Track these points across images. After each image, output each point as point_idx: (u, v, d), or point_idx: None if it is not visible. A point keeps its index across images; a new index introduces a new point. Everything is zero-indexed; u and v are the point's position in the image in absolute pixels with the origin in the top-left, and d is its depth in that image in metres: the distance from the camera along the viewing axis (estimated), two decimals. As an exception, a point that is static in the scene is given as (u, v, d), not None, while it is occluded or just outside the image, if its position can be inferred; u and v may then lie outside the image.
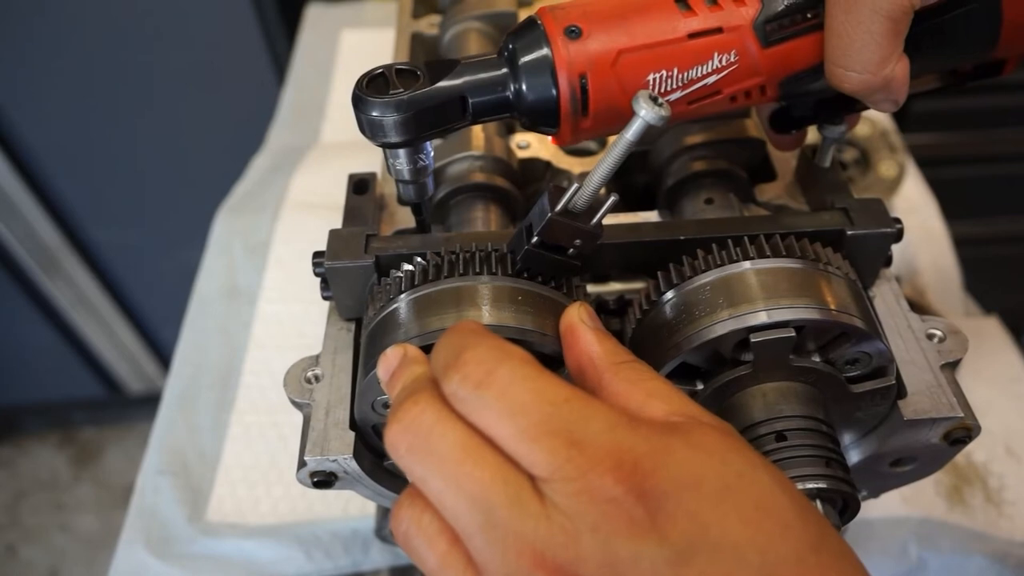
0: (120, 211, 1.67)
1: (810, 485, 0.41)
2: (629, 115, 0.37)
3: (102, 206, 1.65)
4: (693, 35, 0.40)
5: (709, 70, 0.41)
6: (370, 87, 0.41)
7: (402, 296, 0.43)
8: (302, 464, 0.44)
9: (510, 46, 0.41)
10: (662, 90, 0.41)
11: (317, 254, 0.48)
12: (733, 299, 0.42)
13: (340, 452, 0.44)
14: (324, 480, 0.45)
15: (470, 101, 0.41)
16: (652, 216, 0.54)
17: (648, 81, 0.40)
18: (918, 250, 0.96)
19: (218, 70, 1.50)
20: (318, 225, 0.50)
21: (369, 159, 0.58)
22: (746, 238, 0.45)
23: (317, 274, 0.48)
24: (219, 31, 1.44)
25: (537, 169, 0.59)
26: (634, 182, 0.62)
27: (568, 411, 0.31)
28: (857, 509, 0.43)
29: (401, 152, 0.43)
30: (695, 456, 0.31)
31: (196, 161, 1.60)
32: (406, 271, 0.44)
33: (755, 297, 0.42)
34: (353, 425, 0.45)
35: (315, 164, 1.05)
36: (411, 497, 0.33)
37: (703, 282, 0.44)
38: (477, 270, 0.43)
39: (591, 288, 0.49)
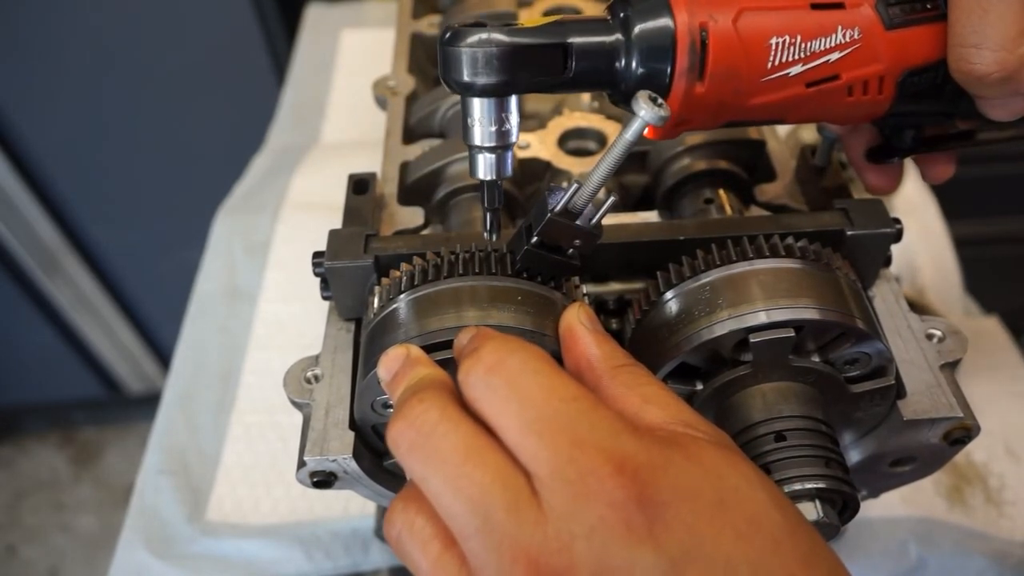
0: (120, 211, 1.67)
1: (809, 485, 0.41)
2: (749, 89, 0.36)
3: (102, 206, 1.65)
4: (815, 6, 0.39)
5: (832, 44, 0.39)
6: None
7: (402, 296, 0.43)
8: (302, 464, 0.44)
9: None
10: (783, 59, 0.39)
11: (317, 254, 0.48)
12: (732, 299, 0.42)
13: (340, 452, 0.44)
14: (324, 480, 0.45)
15: (573, 49, 0.38)
16: (652, 216, 0.54)
17: (770, 45, 0.38)
18: (918, 250, 0.96)
19: (218, 70, 1.50)
20: (318, 225, 0.50)
21: (369, 159, 0.58)
22: (746, 238, 0.45)
23: (317, 274, 0.48)
24: (219, 31, 1.44)
25: (537, 169, 0.59)
26: (634, 182, 0.62)
27: (575, 410, 0.31)
28: (856, 509, 0.43)
29: (486, 105, 0.39)
30: (693, 469, 0.31)
31: (196, 161, 1.60)
32: (406, 271, 0.44)
33: (754, 297, 0.42)
34: (353, 425, 0.45)
35: (315, 164, 1.05)
36: (404, 501, 0.33)
37: (703, 282, 0.44)
38: (477, 270, 0.43)
39: (591, 288, 0.49)
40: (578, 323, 0.39)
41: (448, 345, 0.40)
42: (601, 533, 0.29)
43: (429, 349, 0.41)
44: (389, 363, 0.38)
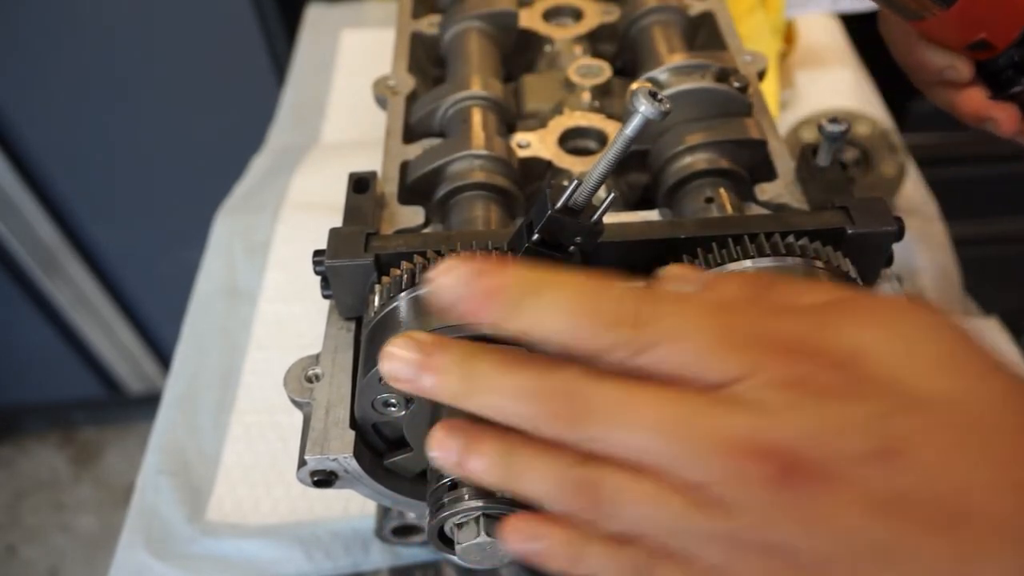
0: (120, 211, 1.67)
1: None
2: None
3: (102, 206, 1.65)
4: None
5: None
6: None
7: (402, 294, 0.43)
8: (302, 463, 0.44)
9: None
10: None
11: (317, 252, 0.48)
12: (733, 298, 0.42)
13: (340, 451, 0.43)
14: (324, 479, 0.45)
15: None
16: (653, 215, 0.54)
17: None
18: (918, 250, 0.96)
19: (218, 70, 1.50)
20: (318, 225, 0.50)
21: (369, 159, 0.58)
22: (746, 237, 0.45)
23: (317, 273, 0.48)
24: (219, 31, 1.44)
25: (537, 168, 0.59)
26: (635, 182, 0.62)
27: (730, 316, 0.30)
28: None
29: None
30: (869, 328, 0.30)
31: (196, 161, 1.60)
32: (406, 269, 0.44)
33: (756, 296, 0.42)
34: (354, 424, 0.45)
35: (315, 164, 1.05)
36: (590, 464, 0.30)
37: (703, 281, 0.44)
38: (477, 269, 0.42)
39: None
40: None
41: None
42: (804, 402, 0.28)
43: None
44: (405, 357, 0.33)
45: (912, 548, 0.27)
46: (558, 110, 0.63)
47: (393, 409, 0.44)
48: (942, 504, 0.27)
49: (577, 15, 0.72)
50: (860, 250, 0.48)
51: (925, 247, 0.96)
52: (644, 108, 0.35)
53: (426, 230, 0.53)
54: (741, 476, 0.27)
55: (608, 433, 0.29)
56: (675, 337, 0.30)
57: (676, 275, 0.37)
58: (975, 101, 0.56)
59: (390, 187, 0.56)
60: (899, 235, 0.48)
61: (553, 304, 0.30)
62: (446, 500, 0.40)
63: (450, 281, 0.31)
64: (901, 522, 0.27)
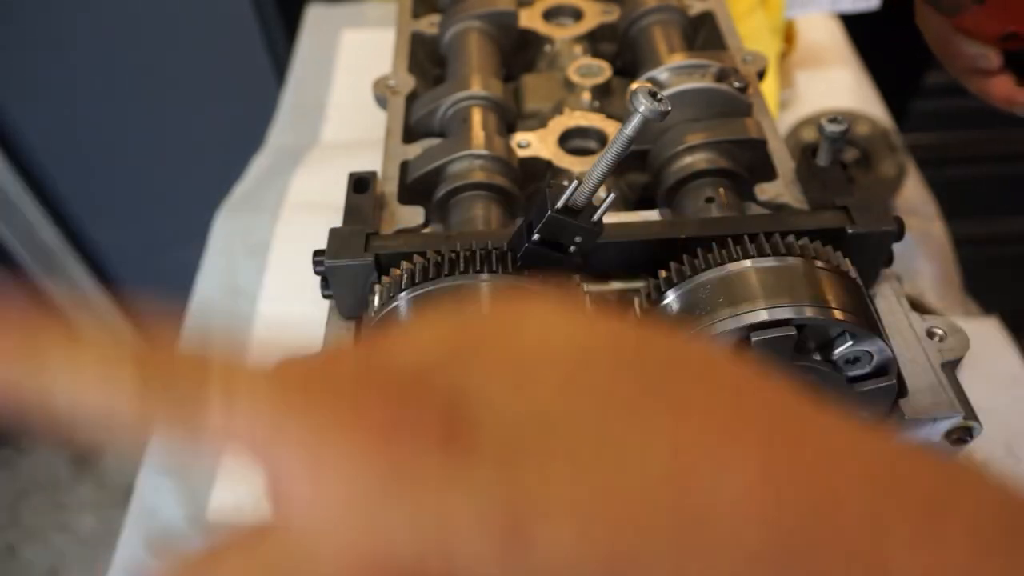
0: (120, 211, 1.67)
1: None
2: None
3: (102, 206, 1.65)
4: None
5: None
6: None
7: (402, 294, 0.43)
8: (302, 463, 0.44)
9: None
10: None
11: (317, 252, 0.48)
12: (733, 298, 0.42)
13: (340, 451, 0.43)
14: (324, 479, 0.45)
15: None
16: (653, 215, 0.54)
17: None
18: (918, 250, 0.96)
19: (218, 70, 1.50)
20: (318, 225, 0.50)
21: (369, 159, 0.58)
22: (746, 237, 0.45)
23: (317, 273, 0.48)
24: (219, 31, 1.44)
25: (537, 168, 0.59)
26: (635, 182, 0.62)
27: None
28: None
29: None
30: (475, 364, 0.23)
31: (196, 161, 1.60)
32: (406, 269, 0.44)
33: (755, 296, 0.42)
34: (353, 424, 0.45)
35: (315, 164, 1.05)
36: None
37: (703, 281, 0.44)
38: (477, 268, 0.43)
39: (592, 286, 0.49)
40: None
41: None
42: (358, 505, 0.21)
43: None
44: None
45: None
46: (558, 110, 0.63)
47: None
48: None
49: (577, 15, 0.72)
50: (860, 250, 0.48)
51: (925, 247, 0.96)
52: (644, 108, 0.35)
53: (426, 230, 0.53)
54: None
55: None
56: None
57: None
58: (1005, 87, 0.62)
59: (390, 187, 0.56)
60: (899, 235, 0.48)
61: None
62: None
63: None
64: None
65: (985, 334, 0.88)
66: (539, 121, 0.63)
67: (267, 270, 0.93)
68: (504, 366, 0.23)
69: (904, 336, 0.48)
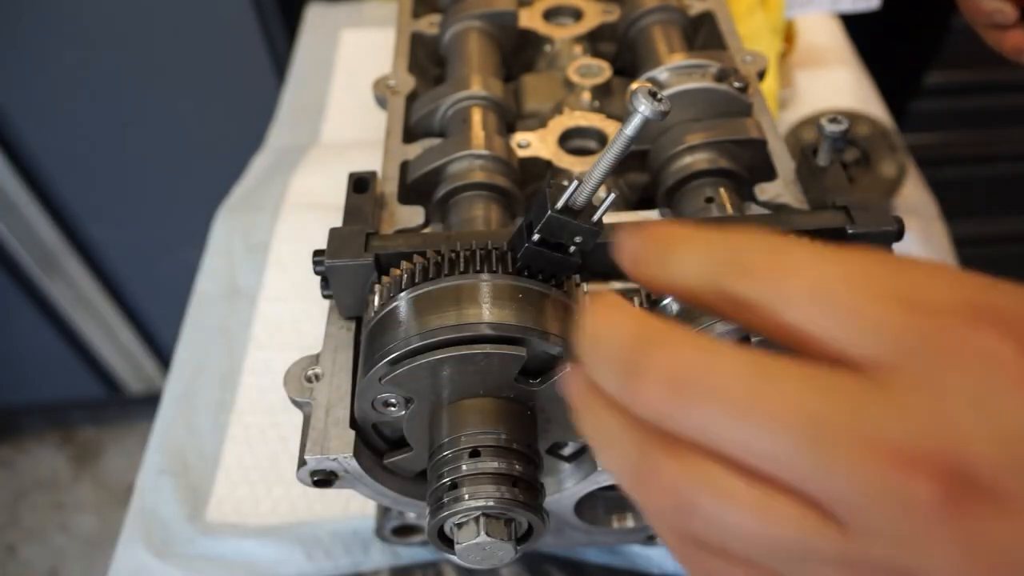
0: (120, 211, 1.67)
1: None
2: None
3: (102, 206, 1.65)
4: None
5: None
6: None
7: (402, 294, 0.43)
8: (302, 463, 0.44)
9: None
10: None
11: (317, 252, 0.48)
12: (733, 298, 0.42)
13: (340, 451, 0.43)
14: (324, 479, 0.45)
15: None
16: (653, 215, 0.54)
17: None
18: (918, 250, 0.96)
19: (218, 70, 1.50)
20: (318, 225, 0.50)
21: (369, 158, 0.58)
22: None
23: (317, 272, 0.48)
24: (219, 31, 1.44)
25: (537, 168, 0.59)
26: (635, 182, 0.62)
27: (883, 272, 0.24)
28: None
29: None
30: None
31: (196, 161, 1.60)
32: (406, 269, 0.44)
33: (755, 296, 0.42)
34: (353, 424, 0.45)
35: (315, 164, 1.05)
36: (673, 453, 0.24)
37: (703, 281, 0.44)
38: (477, 268, 0.43)
39: (592, 286, 0.49)
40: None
41: (449, 344, 0.40)
42: (989, 393, 0.21)
43: (429, 348, 0.41)
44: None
45: None
46: (558, 110, 0.63)
47: (393, 409, 0.44)
48: None
49: (577, 15, 0.72)
50: (860, 250, 0.48)
51: (925, 247, 0.96)
52: (644, 108, 0.35)
53: (426, 230, 0.53)
54: (890, 497, 0.21)
55: (713, 426, 0.23)
56: (816, 293, 0.24)
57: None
58: (1015, 39, 0.65)
59: (390, 187, 0.56)
60: (899, 235, 0.48)
61: (686, 257, 0.27)
62: (446, 500, 0.40)
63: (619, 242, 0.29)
64: None
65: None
66: (539, 121, 0.63)
67: (267, 270, 0.93)
68: None
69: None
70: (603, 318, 0.27)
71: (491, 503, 0.39)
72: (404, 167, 0.58)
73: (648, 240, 0.28)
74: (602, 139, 0.60)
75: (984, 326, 0.22)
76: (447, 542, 0.42)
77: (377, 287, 0.46)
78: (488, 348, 0.40)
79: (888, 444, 0.21)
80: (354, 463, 0.44)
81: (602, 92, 0.64)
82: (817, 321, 0.23)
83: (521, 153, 0.58)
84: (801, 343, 0.24)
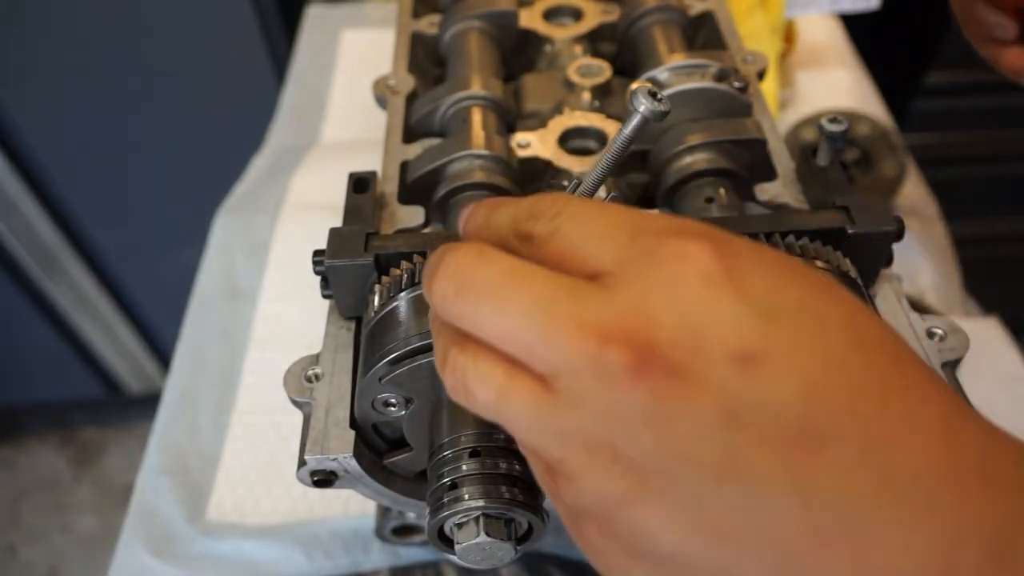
0: (120, 211, 1.67)
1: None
2: None
3: (102, 206, 1.65)
4: None
5: None
6: None
7: (402, 294, 0.43)
8: (302, 463, 0.44)
9: None
10: None
11: (317, 252, 0.48)
12: (733, 298, 0.42)
13: (340, 451, 0.43)
14: (324, 479, 0.45)
15: None
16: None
17: None
18: (918, 250, 0.96)
19: (218, 70, 1.50)
20: (318, 225, 0.50)
21: (369, 159, 0.58)
22: (746, 237, 0.45)
23: (317, 272, 0.48)
24: (219, 31, 1.44)
25: (537, 168, 0.59)
26: (636, 182, 0.62)
27: (631, 213, 0.30)
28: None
29: None
30: (759, 246, 0.29)
31: (196, 161, 1.60)
32: (406, 269, 0.44)
33: (755, 296, 0.42)
34: (353, 424, 0.45)
35: (315, 164, 1.05)
36: (459, 344, 0.30)
37: (703, 281, 0.44)
38: (477, 268, 0.43)
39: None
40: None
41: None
42: (679, 285, 0.26)
43: (429, 348, 0.41)
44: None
45: (751, 467, 0.25)
46: (558, 110, 0.63)
47: (393, 409, 0.44)
48: (795, 425, 0.25)
49: (577, 15, 0.72)
50: (860, 250, 0.48)
51: (925, 247, 0.97)
52: (643, 108, 0.35)
53: (426, 230, 0.53)
54: (590, 364, 0.26)
55: (475, 313, 0.29)
56: (568, 226, 0.30)
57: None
58: (1015, 58, 0.64)
59: (390, 187, 0.56)
60: (899, 235, 0.48)
61: (497, 214, 0.33)
62: (446, 500, 0.40)
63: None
64: (747, 436, 0.25)
65: (985, 334, 0.88)
66: (539, 121, 0.63)
67: (267, 270, 0.93)
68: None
69: (904, 336, 0.47)
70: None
71: (491, 503, 0.39)
72: (404, 167, 0.58)
73: (479, 206, 0.35)
74: (602, 139, 0.60)
75: (686, 236, 0.28)
76: (447, 542, 0.42)
77: (377, 287, 0.46)
78: (488, 348, 0.40)
79: (594, 323, 0.26)
80: (354, 463, 0.44)
81: (602, 92, 0.64)
82: (575, 242, 0.29)
83: (521, 153, 0.58)
84: (569, 263, 0.29)
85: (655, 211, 0.32)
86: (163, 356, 1.97)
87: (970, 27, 0.67)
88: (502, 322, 0.28)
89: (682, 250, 0.27)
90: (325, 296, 0.50)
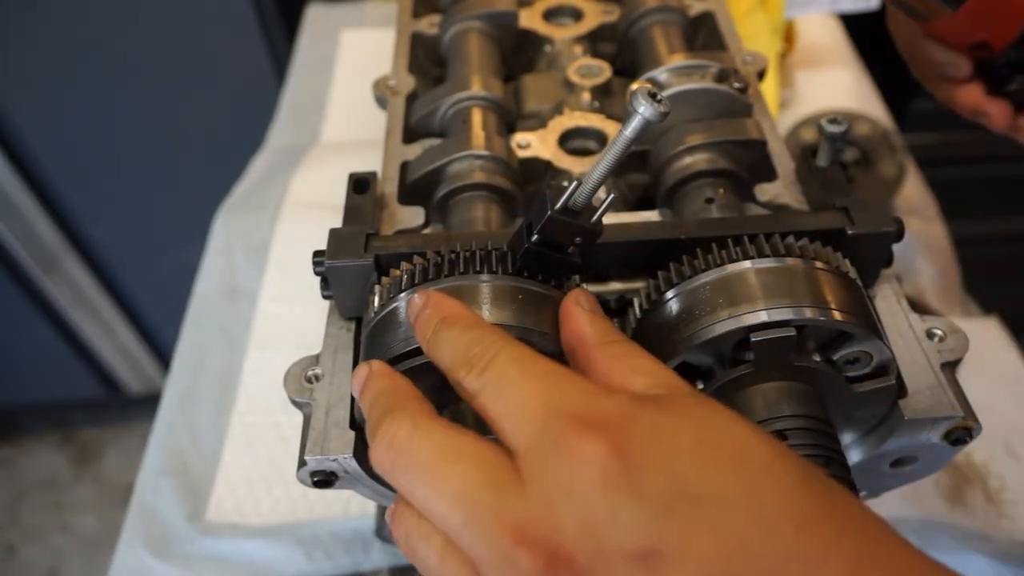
0: (120, 211, 1.67)
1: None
2: None
3: (102, 206, 1.65)
4: None
5: None
6: None
7: (402, 295, 0.43)
8: (302, 463, 0.44)
9: None
10: None
11: (317, 253, 0.47)
12: (733, 299, 0.42)
13: (340, 451, 0.43)
14: (324, 479, 0.45)
15: None
16: (653, 216, 0.54)
17: None
18: (918, 250, 0.96)
19: (218, 70, 1.50)
20: (318, 225, 0.50)
21: (369, 159, 0.58)
22: (746, 237, 0.45)
23: (317, 273, 0.48)
24: (219, 31, 1.44)
25: (537, 169, 0.59)
26: (635, 182, 0.62)
27: (547, 384, 0.32)
28: None
29: None
30: (669, 417, 0.31)
31: (196, 161, 1.60)
32: (406, 270, 0.44)
33: (755, 296, 0.42)
34: (353, 424, 0.45)
35: (315, 164, 1.05)
36: (406, 502, 0.34)
37: (703, 281, 0.44)
38: (477, 269, 0.43)
39: (592, 287, 0.49)
40: (574, 303, 0.40)
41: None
42: (580, 489, 0.29)
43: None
44: (357, 379, 0.39)
45: None
46: (558, 110, 0.63)
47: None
48: None
49: (577, 15, 0.72)
50: (860, 250, 0.48)
51: (925, 247, 0.97)
52: (643, 109, 0.35)
53: (426, 230, 0.53)
54: (510, 563, 0.29)
55: (411, 491, 0.32)
56: (491, 389, 0.33)
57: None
58: (972, 96, 0.61)
59: (390, 187, 0.56)
60: (899, 235, 0.48)
61: (442, 347, 0.37)
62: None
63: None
64: None
65: (985, 334, 0.88)
66: (539, 121, 0.63)
67: (267, 270, 0.93)
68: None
69: (904, 336, 0.48)
70: (362, 380, 0.39)
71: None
72: (404, 167, 0.58)
73: (427, 307, 0.39)
74: (602, 139, 0.60)
75: (590, 430, 0.30)
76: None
77: (377, 288, 0.46)
78: (488, 349, 0.40)
79: (510, 521, 0.29)
80: (354, 463, 0.44)
81: (602, 92, 0.64)
82: (497, 410, 0.32)
83: (521, 153, 0.58)
84: (491, 426, 0.33)
85: (574, 374, 0.34)
86: (163, 356, 1.97)
87: (919, 66, 0.65)
88: (433, 506, 0.31)
89: (583, 451, 0.29)
90: (325, 297, 0.50)
